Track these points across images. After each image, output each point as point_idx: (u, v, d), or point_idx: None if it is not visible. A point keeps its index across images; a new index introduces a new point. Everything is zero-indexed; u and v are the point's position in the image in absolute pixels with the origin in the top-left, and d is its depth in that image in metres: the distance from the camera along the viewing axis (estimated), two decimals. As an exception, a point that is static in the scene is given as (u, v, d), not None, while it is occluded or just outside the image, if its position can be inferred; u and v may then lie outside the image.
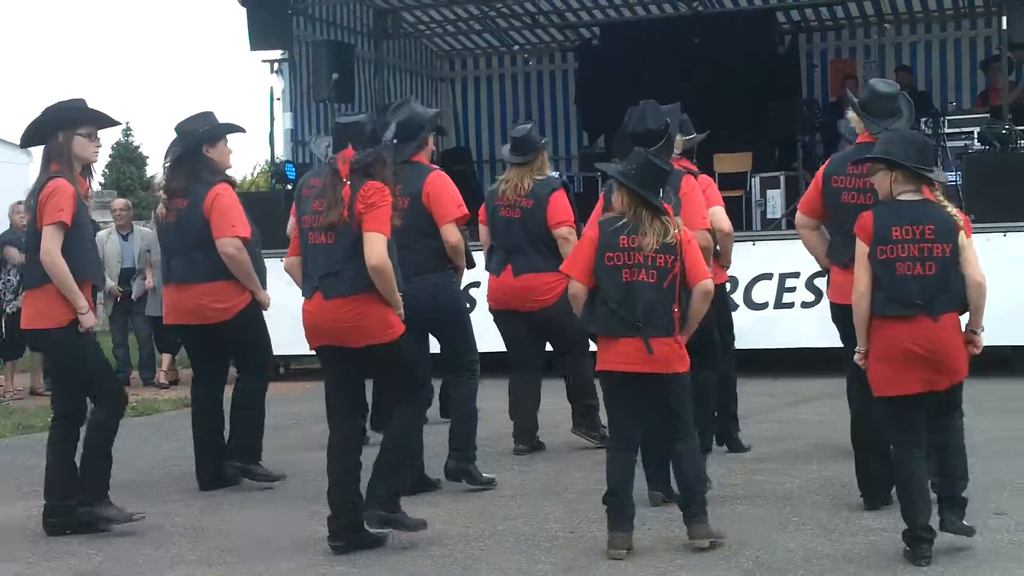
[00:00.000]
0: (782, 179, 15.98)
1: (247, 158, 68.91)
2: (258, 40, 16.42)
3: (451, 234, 8.00)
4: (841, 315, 7.03)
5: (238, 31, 37.52)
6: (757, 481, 8.12)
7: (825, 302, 7.71)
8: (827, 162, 7.58)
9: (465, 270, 8.38)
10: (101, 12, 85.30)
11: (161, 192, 8.51)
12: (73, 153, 7.33)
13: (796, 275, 12.84)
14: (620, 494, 6.52)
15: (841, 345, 7.38)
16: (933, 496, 6.36)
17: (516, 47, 21.71)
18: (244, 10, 16.35)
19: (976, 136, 14.06)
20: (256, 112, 42.05)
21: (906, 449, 6.29)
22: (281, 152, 16.89)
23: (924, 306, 6.13)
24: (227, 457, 8.57)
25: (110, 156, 46.36)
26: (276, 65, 17.10)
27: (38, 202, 7.22)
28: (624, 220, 6.51)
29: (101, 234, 15.61)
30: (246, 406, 8.55)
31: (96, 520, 7.34)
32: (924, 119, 16.31)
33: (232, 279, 8.28)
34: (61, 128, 7.31)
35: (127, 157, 48.59)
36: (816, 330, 12.81)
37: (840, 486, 7.81)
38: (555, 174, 9.98)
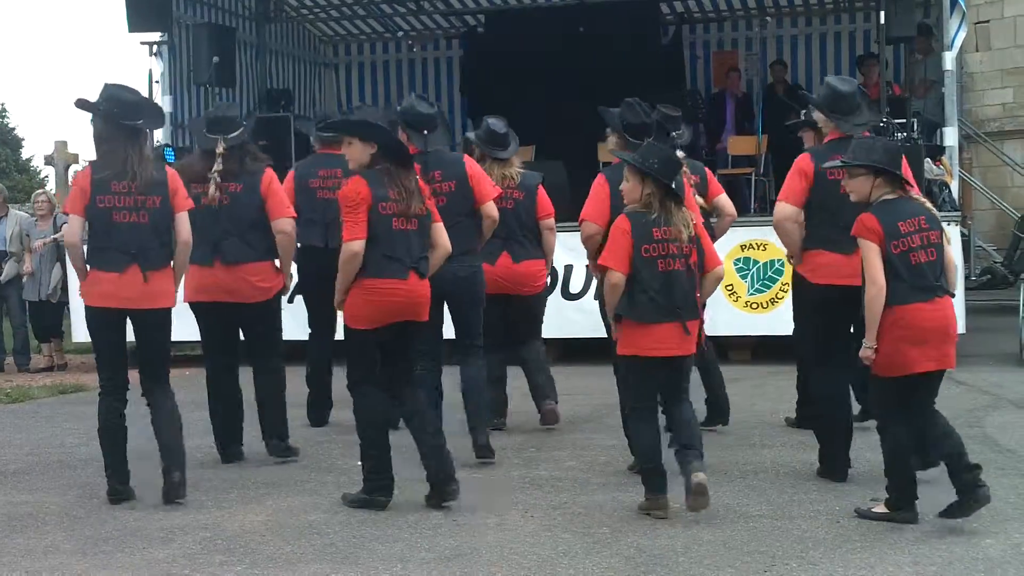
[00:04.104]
0: (666, 168, 16.03)
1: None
2: (137, 22, 16.13)
3: (495, 210, 8.82)
4: (835, 296, 7.44)
5: (116, 12, 37.04)
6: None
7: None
8: (808, 156, 7.77)
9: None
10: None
11: (216, 176, 8.57)
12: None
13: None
14: (658, 461, 6.98)
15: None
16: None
17: (400, 33, 21.64)
18: (123, -10, 16.08)
19: (854, 129, 14.25)
20: (135, 95, 41.49)
21: (904, 429, 6.74)
22: (160, 136, 16.62)
23: (939, 288, 6.66)
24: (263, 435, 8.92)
25: (-15, 137, 45.44)
26: (155, 47, 16.85)
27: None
28: (655, 214, 6.88)
29: (-26, 218, 15.36)
30: (281, 387, 8.94)
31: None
32: (804, 111, 16.51)
33: (273, 260, 8.74)
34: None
35: (2, 139, 47.69)
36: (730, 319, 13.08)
37: (722, 473, 7.88)
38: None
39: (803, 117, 15.64)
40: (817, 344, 7.79)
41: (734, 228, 13.19)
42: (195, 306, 8.70)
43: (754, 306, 13.28)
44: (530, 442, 9.17)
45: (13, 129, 48.70)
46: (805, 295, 7.88)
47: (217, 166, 8.52)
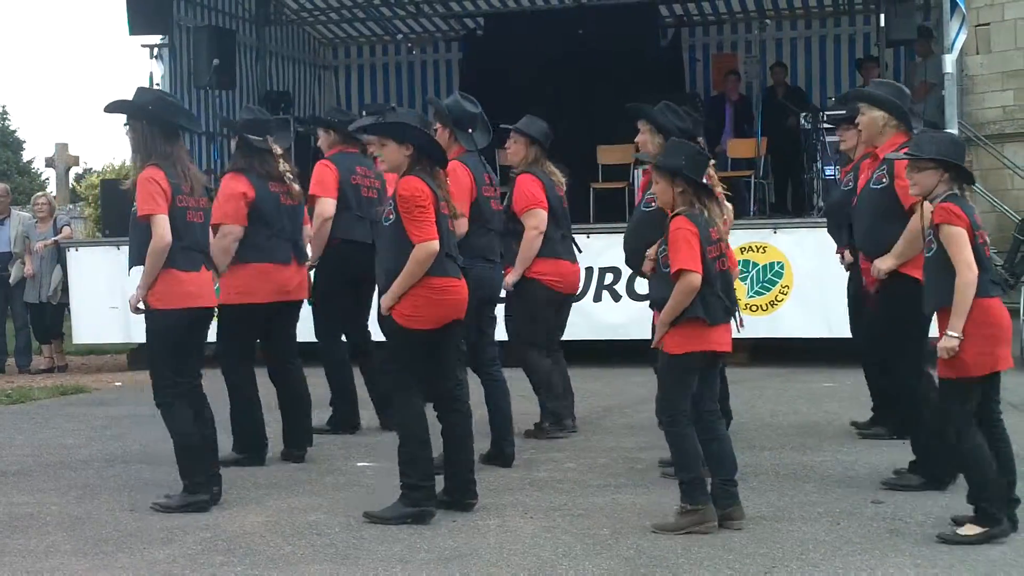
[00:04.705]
0: (664, 171, 16.03)
1: (126, 144, 67.89)
2: (137, 25, 16.18)
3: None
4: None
5: (117, 15, 36.99)
6: (638, 469, 8.18)
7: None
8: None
9: None
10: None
11: (288, 175, 8.65)
12: None
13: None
14: (700, 468, 6.78)
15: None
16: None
17: (400, 36, 21.64)
18: (124, -7, 16.10)
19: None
20: (135, 98, 41.45)
21: (976, 429, 6.49)
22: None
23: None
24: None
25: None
26: (156, 50, 16.89)
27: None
28: (705, 214, 6.70)
29: (-23, 220, 15.40)
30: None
31: None
32: (804, 114, 16.54)
33: None
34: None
35: (3, 141, 47.74)
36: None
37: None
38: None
39: (804, 120, 15.70)
40: (921, 345, 7.50)
41: (734, 230, 13.23)
42: (266, 307, 8.60)
43: (753, 308, 13.27)
44: (529, 444, 9.16)
45: (14, 131, 48.76)
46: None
47: (284, 166, 8.58)
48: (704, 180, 6.75)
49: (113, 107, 7.60)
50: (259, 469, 8.50)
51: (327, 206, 9.37)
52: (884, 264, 7.44)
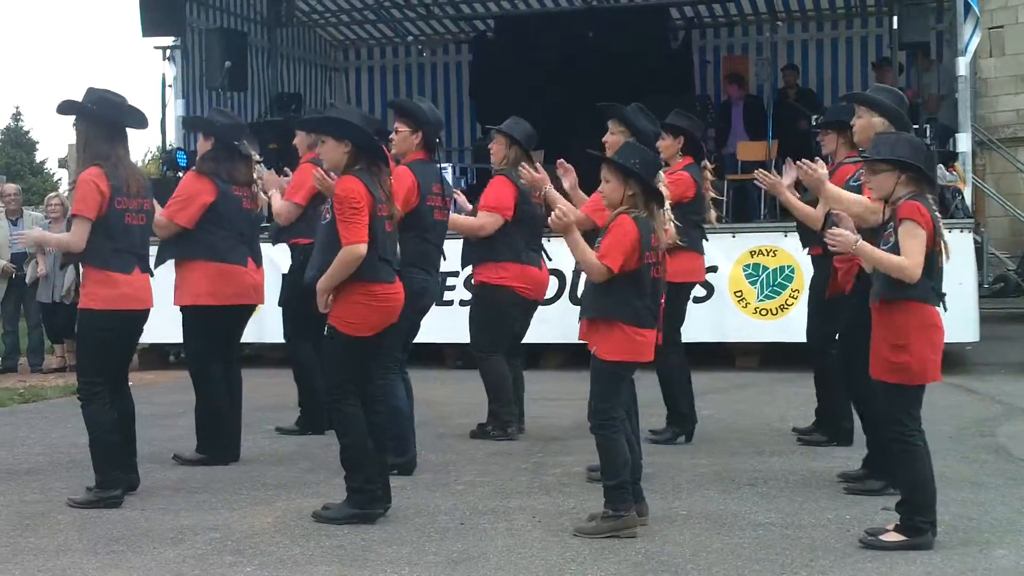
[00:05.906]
0: (675, 174, 16.01)
1: (138, 145, 68.06)
2: (150, 26, 16.21)
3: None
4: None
5: (130, 17, 37.13)
6: (645, 474, 8.14)
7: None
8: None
9: None
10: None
11: (260, 181, 8.79)
12: None
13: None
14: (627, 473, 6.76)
15: None
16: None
17: (410, 38, 21.70)
18: (137, -4, 16.14)
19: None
20: (148, 99, 41.60)
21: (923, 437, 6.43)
22: (173, 139, 16.72)
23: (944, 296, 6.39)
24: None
25: None
26: (168, 52, 16.91)
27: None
28: (653, 219, 6.61)
29: (-9, 219, 15.43)
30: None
31: None
32: (815, 116, 16.51)
33: None
34: None
35: (16, 142, 47.93)
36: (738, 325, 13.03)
37: (730, 481, 7.87)
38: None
39: (815, 123, 15.64)
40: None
41: (744, 233, 13.24)
42: (225, 309, 8.64)
43: (763, 312, 13.25)
44: (537, 447, 9.16)
45: (27, 132, 48.93)
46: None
47: (258, 173, 8.67)
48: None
49: (61, 107, 7.63)
50: (268, 469, 8.52)
51: (289, 209, 9.45)
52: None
